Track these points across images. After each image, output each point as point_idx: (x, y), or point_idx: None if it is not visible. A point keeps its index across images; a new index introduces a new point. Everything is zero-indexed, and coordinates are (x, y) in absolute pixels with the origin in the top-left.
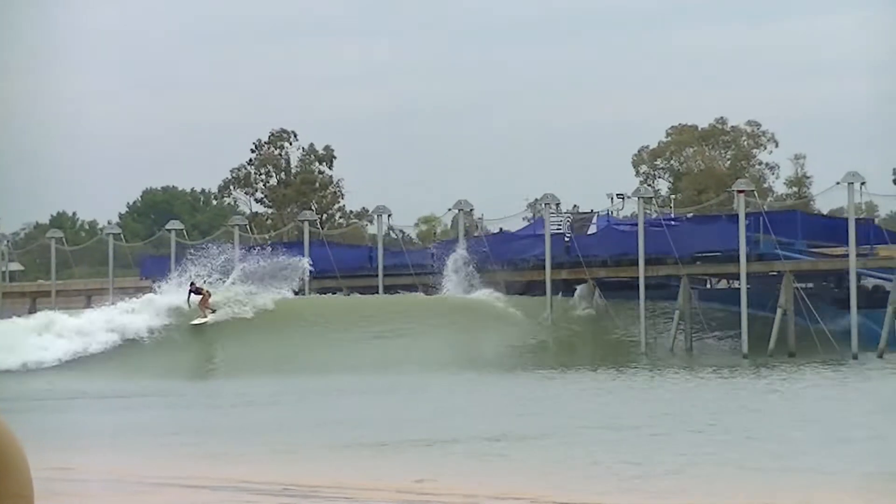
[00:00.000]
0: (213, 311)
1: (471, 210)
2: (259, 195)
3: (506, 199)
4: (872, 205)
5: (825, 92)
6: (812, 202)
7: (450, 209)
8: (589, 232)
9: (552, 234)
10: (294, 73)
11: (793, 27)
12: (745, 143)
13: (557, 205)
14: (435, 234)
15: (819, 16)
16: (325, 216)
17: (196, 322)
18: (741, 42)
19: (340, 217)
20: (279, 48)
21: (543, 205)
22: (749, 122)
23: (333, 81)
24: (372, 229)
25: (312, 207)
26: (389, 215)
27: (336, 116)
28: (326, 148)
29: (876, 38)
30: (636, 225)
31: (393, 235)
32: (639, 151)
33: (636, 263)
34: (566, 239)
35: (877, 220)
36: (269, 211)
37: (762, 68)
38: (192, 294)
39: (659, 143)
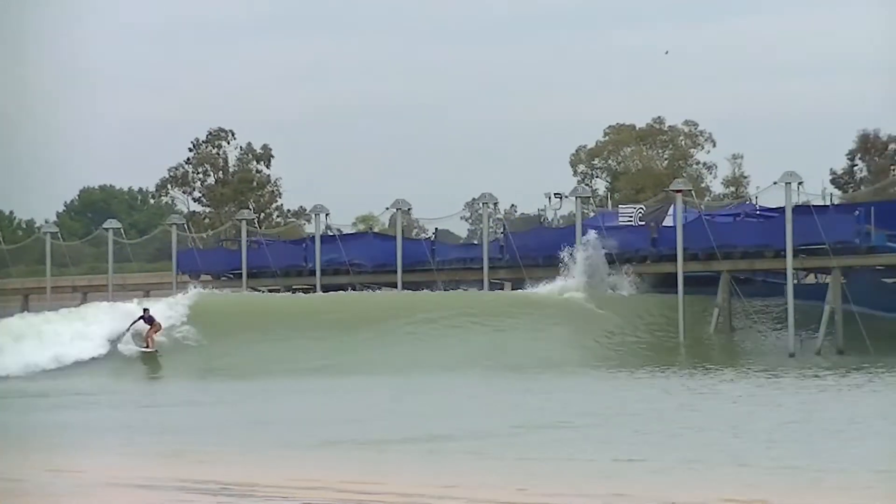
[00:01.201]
0: (156, 351)
1: (409, 209)
2: (197, 194)
3: (443, 199)
4: (809, 203)
5: (762, 92)
6: (748, 202)
7: (387, 208)
8: (665, 223)
9: (624, 227)
10: (232, 72)
11: (730, 27)
12: (683, 142)
13: (495, 204)
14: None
15: (756, 16)
16: (262, 215)
17: (144, 350)
18: (679, 42)
19: (278, 216)
20: (217, 46)
21: (481, 204)
22: (686, 122)
23: (271, 80)
24: (310, 228)
25: (250, 206)
26: (327, 214)
27: (274, 115)
28: (264, 147)
29: (813, 38)
30: (739, 215)
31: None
32: (576, 151)
33: (733, 257)
34: (653, 232)
35: None
36: (207, 210)
37: (700, 68)
38: (143, 321)
39: (596, 143)
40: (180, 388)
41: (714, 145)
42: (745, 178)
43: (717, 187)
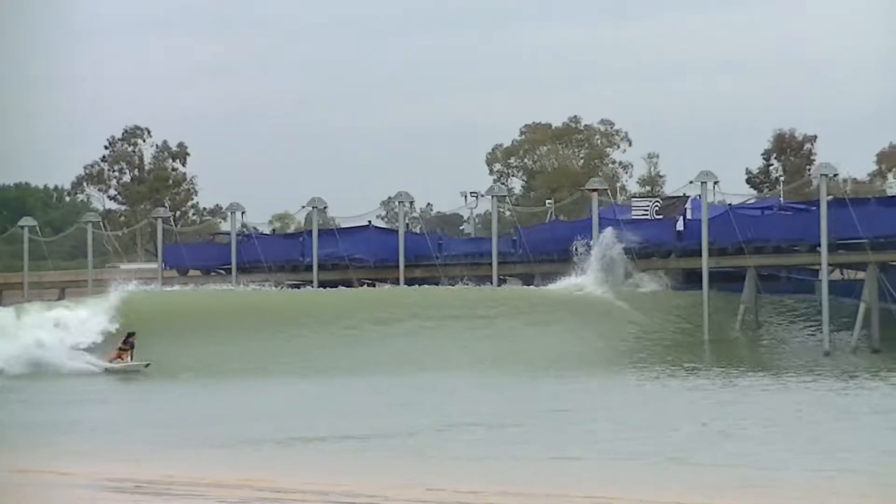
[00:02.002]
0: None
1: (324, 207)
2: (112, 192)
3: (359, 197)
4: (725, 203)
5: (678, 91)
6: (661, 201)
7: (303, 206)
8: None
9: (642, 220)
10: (147, 70)
11: (647, 26)
12: (599, 141)
13: (411, 203)
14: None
15: (672, 14)
16: (178, 213)
17: (110, 366)
18: (595, 40)
19: (194, 214)
20: (133, 44)
21: (398, 203)
22: (602, 121)
23: (187, 78)
24: (225, 226)
25: (166, 204)
26: (243, 212)
27: (190, 113)
28: (180, 145)
29: (729, 37)
30: (772, 208)
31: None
32: (493, 150)
33: (765, 252)
34: (678, 225)
35: None
36: (123, 208)
37: (616, 67)
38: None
39: (513, 142)
40: (102, 387)
41: (630, 144)
42: (661, 177)
43: (632, 186)
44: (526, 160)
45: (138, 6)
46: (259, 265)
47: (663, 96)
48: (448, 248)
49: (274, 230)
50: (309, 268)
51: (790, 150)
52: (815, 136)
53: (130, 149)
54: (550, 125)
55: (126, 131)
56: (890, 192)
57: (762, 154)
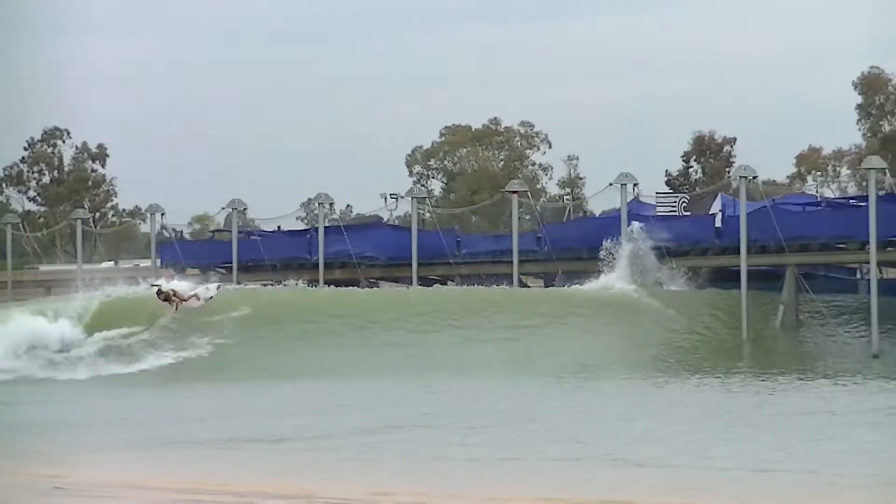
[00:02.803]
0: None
1: (244, 209)
2: (32, 193)
3: (279, 199)
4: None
5: (598, 93)
6: (585, 203)
7: (223, 208)
8: (711, 211)
9: (676, 216)
10: (68, 71)
11: (566, 28)
12: (519, 143)
13: (331, 204)
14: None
15: (591, 17)
16: (98, 214)
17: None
18: (514, 42)
19: (113, 215)
20: (53, 45)
21: (317, 204)
22: (522, 123)
23: (107, 79)
24: (145, 228)
25: (85, 206)
26: (163, 214)
27: (110, 114)
28: (100, 146)
29: (648, 39)
30: (818, 204)
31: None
32: (412, 152)
33: (811, 249)
34: (717, 221)
35: None
36: (42, 209)
37: (536, 69)
38: (167, 302)
39: (432, 144)
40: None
41: (550, 146)
42: (581, 179)
43: (552, 188)
44: (446, 162)
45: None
46: (262, 264)
47: (583, 98)
48: (467, 246)
49: (279, 227)
50: (316, 266)
51: (710, 152)
52: (735, 139)
53: (50, 150)
54: (470, 127)
55: (45, 132)
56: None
57: (682, 156)
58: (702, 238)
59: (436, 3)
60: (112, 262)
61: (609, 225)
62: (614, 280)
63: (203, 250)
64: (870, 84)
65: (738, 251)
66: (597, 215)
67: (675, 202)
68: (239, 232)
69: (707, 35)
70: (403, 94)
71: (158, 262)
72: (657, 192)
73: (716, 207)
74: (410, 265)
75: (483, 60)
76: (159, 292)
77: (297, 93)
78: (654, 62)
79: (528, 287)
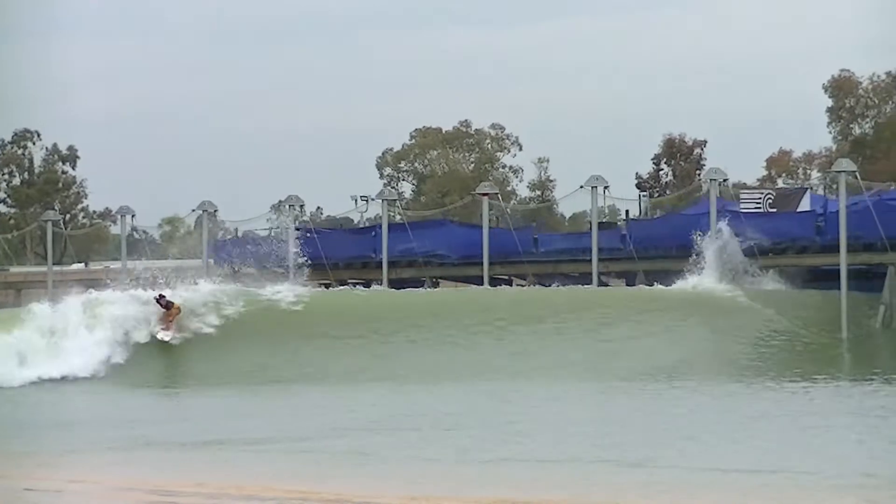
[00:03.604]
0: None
1: (215, 211)
2: (2, 195)
3: (250, 201)
4: (615, 209)
5: (568, 96)
6: (555, 206)
7: (193, 210)
8: (800, 209)
9: (748, 213)
10: (37, 73)
11: (537, 31)
12: (489, 145)
13: (301, 206)
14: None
15: (563, 19)
16: (68, 216)
17: (161, 336)
18: (485, 45)
19: (84, 217)
20: (22, 47)
21: (288, 206)
22: (493, 125)
23: (77, 81)
24: (115, 229)
25: (56, 207)
26: (133, 216)
27: (80, 116)
28: (70, 148)
29: (617, 41)
30: None
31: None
32: (383, 154)
33: None
34: (819, 219)
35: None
36: (12, 211)
37: (506, 71)
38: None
39: (403, 146)
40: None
41: (520, 149)
42: (552, 181)
43: (523, 191)
44: (416, 164)
45: (29, 10)
46: (322, 263)
47: (554, 101)
48: (544, 244)
49: (343, 225)
50: (380, 265)
51: (680, 154)
52: (705, 141)
53: (20, 152)
54: (441, 129)
55: (16, 134)
56: None
57: (652, 159)
58: (800, 235)
59: (408, 5)
60: (82, 264)
61: (698, 222)
62: (706, 279)
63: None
64: (840, 87)
65: (838, 249)
66: (687, 212)
67: (760, 199)
68: (296, 229)
69: (677, 38)
70: (374, 96)
71: (211, 261)
72: (741, 189)
73: (804, 205)
74: (480, 263)
75: (454, 62)
76: (161, 296)
77: (267, 95)
78: (624, 65)
79: (609, 286)
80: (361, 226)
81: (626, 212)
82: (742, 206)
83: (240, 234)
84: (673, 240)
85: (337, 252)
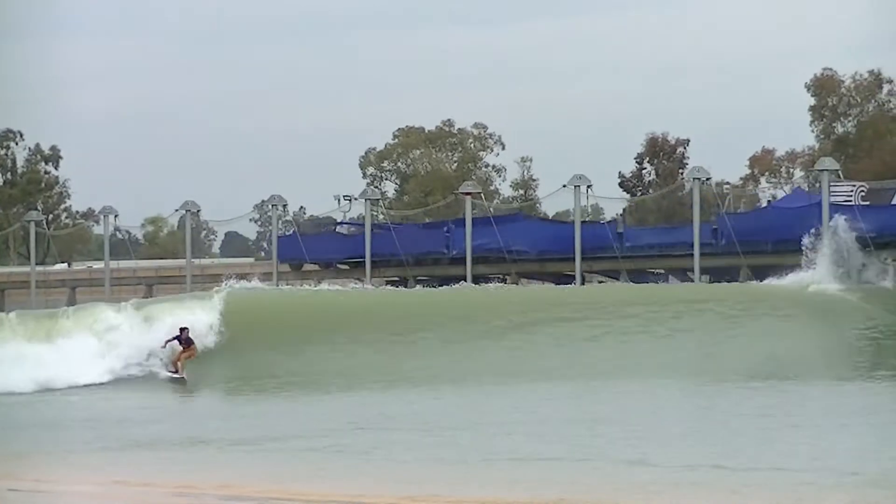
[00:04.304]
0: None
1: (198, 211)
2: None
3: (233, 201)
4: (598, 207)
5: (551, 95)
6: (538, 205)
7: (176, 210)
8: (894, 202)
9: (835, 205)
10: (20, 74)
11: (519, 31)
12: (472, 145)
13: (284, 206)
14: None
15: (545, 20)
16: (51, 216)
17: (171, 374)
18: (468, 44)
19: (66, 217)
20: (4, 48)
21: (271, 206)
22: (476, 125)
23: (60, 82)
24: (99, 229)
25: (38, 208)
26: (116, 216)
27: (63, 117)
28: (53, 148)
29: (602, 41)
30: None
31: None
32: (366, 153)
33: None
34: None
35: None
36: None
37: (489, 70)
38: (176, 341)
39: (386, 145)
40: None
41: (503, 148)
42: (535, 181)
43: (506, 190)
44: (399, 164)
45: (11, 11)
46: (391, 259)
47: (536, 100)
48: (631, 239)
49: (418, 219)
50: (454, 261)
51: (663, 153)
52: (688, 140)
53: (3, 152)
54: (424, 129)
55: None
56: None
57: (635, 158)
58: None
59: (390, 6)
60: (66, 265)
61: (800, 215)
62: (811, 275)
63: (325, 244)
64: (822, 86)
65: None
66: (780, 204)
67: (851, 192)
68: (360, 224)
69: (660, 37)
70: (357, 97)
71: (275, 258)
72: (831, 183)
73: None
74: (563, 259)
75: (437, 62)
76: (184, 329)
77: (250, 95)
78: (606, 64)
79: (692, 282)
80: (433, 220)
81: (718, 205)
82: (832, 199)
83: (301, 228)
84: (769, 234)
85: (407, 247)
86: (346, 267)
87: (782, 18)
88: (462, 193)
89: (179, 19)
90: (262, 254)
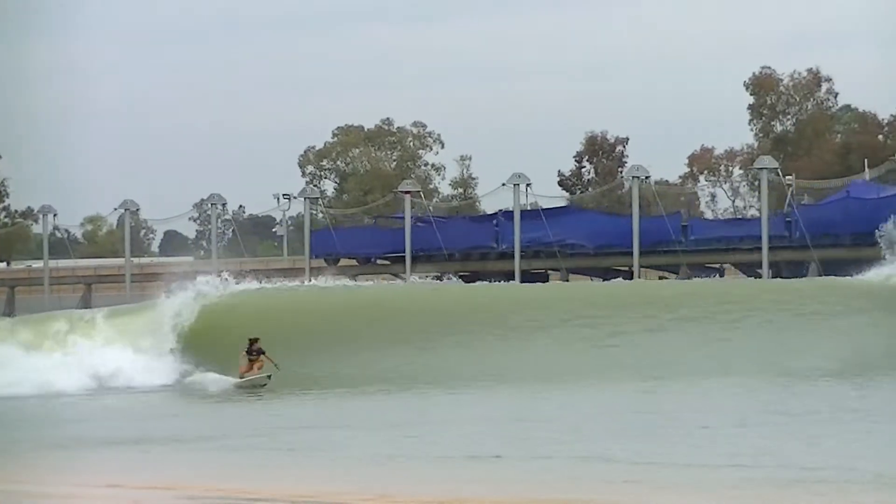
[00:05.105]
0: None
1: (137, 210)
2: None
3: (172, 199)
4: (537, 205)
5: (491, 94)
6: (478, 203)
7: (116, 209)
8: None
9: None
10: None
11: (459, 29)
12: (412, 143)
13: (224, 205)
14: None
15: (484, 18)
16: None
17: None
18: (407, 43)
19: (5, 216)
20: None
21: (210, 205)
22: (415, 124)
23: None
24: (38, 228)
25: None
26: (55, 215)
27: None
28: None
29: (542, 41)
30: None
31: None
32: (305, 152)
33: None
34: None
35: None
36: None
37: (428, 69)
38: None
39: (325, 144)
40: None
41: (442, 147)
42: (474, 179)
43: (445, 189)
44: (339, 162)
45: None
46: (435, 254)
47: (476, 99)
48: (696, 232)
49: (461, 212)
50: (503, 256)
51: (602, 152)
52: (627, 139)
53: None
54: (363, 127)
55: None
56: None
57: (574, 156)
58: None
59: (330, 2)
60: (4, 264)
61: (880, 205)
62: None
63: (363, 238)
64: (761, 84)
65: None
66: (860, 195)
67: None
68: (400, 217)
69: (600, 36)
70: (298, 94)
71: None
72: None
73: None
74: (622, 253)
75: (376, 61)
76: (255, 340)
77: (189, 93)
78: (546, 64)
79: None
80: (483, 213)
81: (790, 195)
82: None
83: (77, 236)
84: (850, 227)
85: (452, 242)
86: (386, 262)
87: (723, 17)
88: (401, 192)
89: (116, 19)
90: (202, 252)
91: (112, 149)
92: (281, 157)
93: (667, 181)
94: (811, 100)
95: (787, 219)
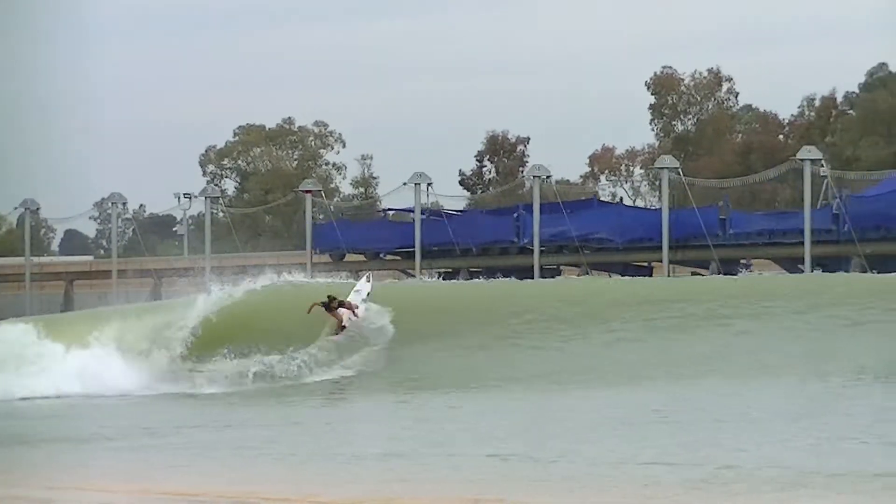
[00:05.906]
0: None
1: (37, 209)
2: None
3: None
4: (439, 205)
5: (392, 93)
6: (379, 202)
7: (16, 207)
8: None
9: None
10: None
11: (360, 28)
12: (313, 143)
13: (124, 204)
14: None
15: (387, 18)
16: None
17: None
18: (308, 42)
19: None
20: None
21: (111, 204)
22: (316, 123)
23: None
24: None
25: None
26: None
27: None
28: None
29: (444, 40)
30: None
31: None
32: (206, 151)
33: None
34: None
35: None
36: None
37: (330, 69)
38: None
39: (226, 143)
40: None
41: (344, 146)
42: (375, 178)
43: (346, 188)
44: (239, 161)
45: None
46: (450, 249)
47: (377, 98)
48: (736, 225)
49: (468, 206)
50: (524, 251)
51: (503, 151)
52: (528, 138)
53: None
54: (264, 126)
55: None
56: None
57: (475, 156)
58: None
59: (227, 1)
60: None
61: None
62: None
63: (371, 233)
64: (662, 84)
65: None
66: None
67: None
68: (410, 210)
69: (500, 35)
70: (198, 92)
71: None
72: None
73: None
74: (653, 248)
75: (278, 59)
76: (333, 299)
77: (89, 89)
78: (447, 63)
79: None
80: (503, 206)
81: (838, 186)
82: None
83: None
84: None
85: (471, 236)
86: (397, 258)
87: (624, 17)
88: (302, 191)
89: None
90: (102, 251)
91: (11, 146)
92: (182, 155)
93: (568, 181)
94: (712, 99)
95: (835, 211)
